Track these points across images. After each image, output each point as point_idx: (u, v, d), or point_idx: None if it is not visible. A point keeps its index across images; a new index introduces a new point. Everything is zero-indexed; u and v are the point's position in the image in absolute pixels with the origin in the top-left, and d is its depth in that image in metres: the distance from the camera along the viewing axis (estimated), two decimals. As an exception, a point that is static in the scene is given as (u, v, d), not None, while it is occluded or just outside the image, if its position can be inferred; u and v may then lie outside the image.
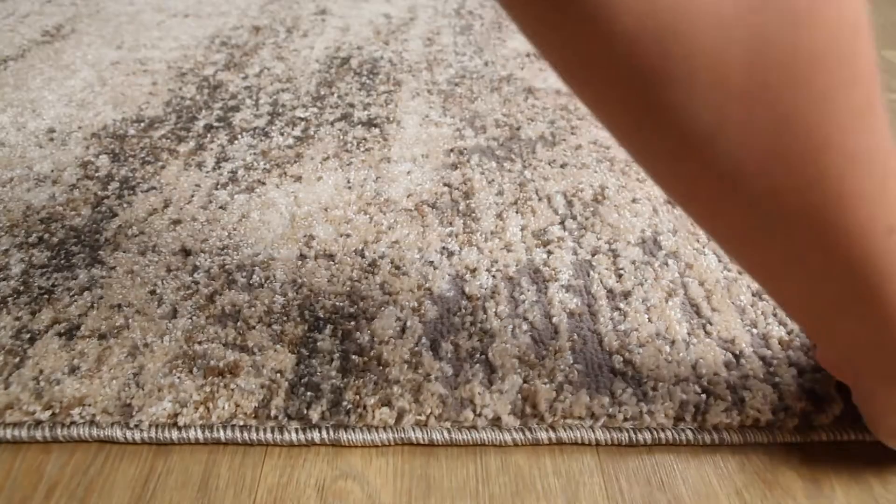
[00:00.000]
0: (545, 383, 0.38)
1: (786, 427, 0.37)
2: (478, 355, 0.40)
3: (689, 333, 0.42)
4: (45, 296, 0.44)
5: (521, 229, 0.51)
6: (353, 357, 0.40)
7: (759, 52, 0.20)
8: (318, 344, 0.41)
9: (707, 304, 0.44)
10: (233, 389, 0.38)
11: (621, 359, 0.40)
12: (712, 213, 0.26)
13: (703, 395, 0.38)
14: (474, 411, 0.37)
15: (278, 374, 0.39)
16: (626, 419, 0.37)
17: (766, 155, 0.22)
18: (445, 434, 0.36)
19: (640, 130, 0.23)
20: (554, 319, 0.43)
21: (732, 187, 0.23)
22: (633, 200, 0.55)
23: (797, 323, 0.37)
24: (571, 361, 0.40)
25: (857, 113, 0.22)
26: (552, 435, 0.36)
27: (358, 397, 0.37)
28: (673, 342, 0.41)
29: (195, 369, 0.39)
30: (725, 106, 0.21)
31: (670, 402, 0.37)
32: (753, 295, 0.45)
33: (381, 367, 0.39)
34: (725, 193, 0.23)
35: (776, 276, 0.28)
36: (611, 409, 0.37)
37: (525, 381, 0.38)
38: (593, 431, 0.37)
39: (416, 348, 0.40)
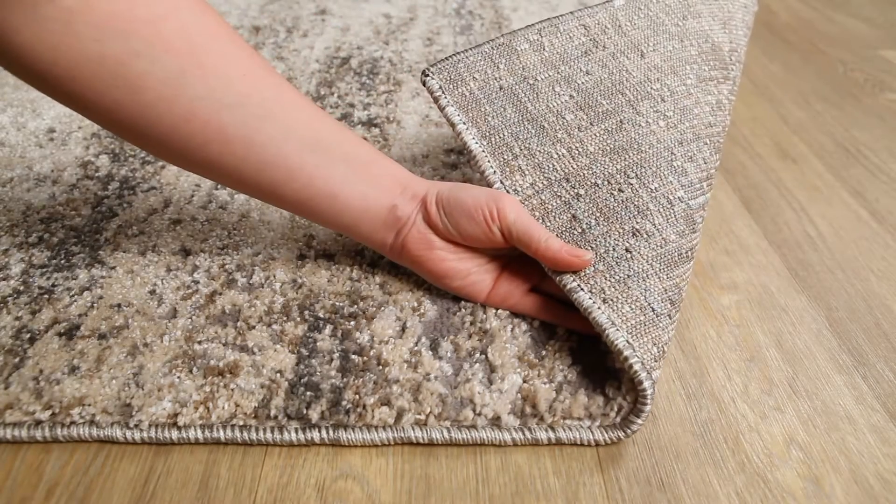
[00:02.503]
0: (545, 383, 0.38)
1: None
2: (477, 355, 0.40)
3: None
4: (45, 296, 0.44)
5: (521, 229, 0.51)
6: (353, 357, 0.40)
7: (183, 31, 0.35)
8: (318, 344, 0.41)
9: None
10: (233, 389, 0.38)
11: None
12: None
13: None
14: (474, 410, 0.37)
15: (278, 374, 0.39)
16: (617, 414, 0.37)
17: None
18: (445, 433, 0.36)
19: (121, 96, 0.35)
20: (554, 319, 0.43)
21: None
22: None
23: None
24: (570, 362, 0.40)
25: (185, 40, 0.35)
26: (551, 435, 0.37)
27: (357, 397, 0.37)
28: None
29: (195, 369, 0.39)
30: (172, 63, 0.34)
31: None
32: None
33: (380, 367, 0.39)
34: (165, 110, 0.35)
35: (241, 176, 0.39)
36: (605, 409, 0.37)
37: (525, 381, 0.38)
38: (591, 432, 0.37)
39: (416, 348, 0.40)
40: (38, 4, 0.31)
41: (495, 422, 0.37)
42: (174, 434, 0.36)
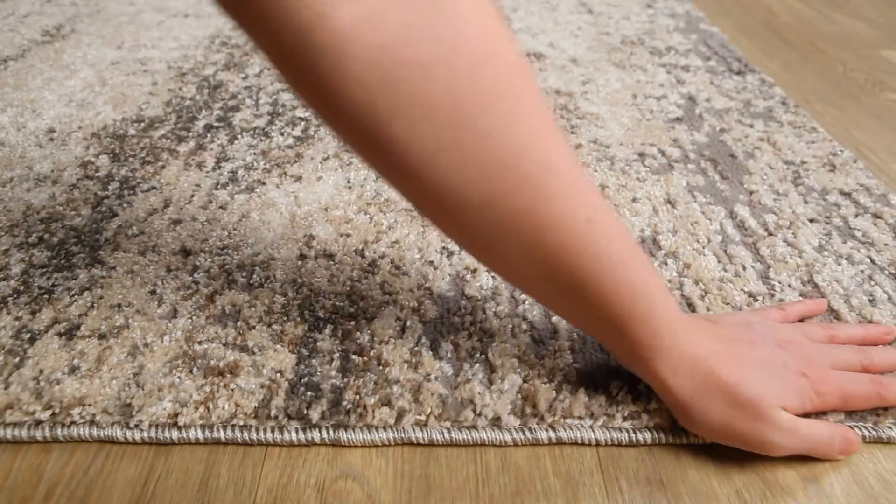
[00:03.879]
0: (545, 383, 0.38)
1: None
2: (477, 355, 0.40)
3: None
4: (45, 296, 0.44)
5: (521, 229, 0.51)
6: (353, 357, 0.40)
7: (453, 87, 0.25)
8: (318, 344, 0.41)
9: (702, 303, 0.44)
10: (233, 389, 0.38)
11: None
12: (450, 226, 0.31)
13: None
14: (474, 411, 0.37)
15: (278, 374, 0.39)
16: (624, 419, 0.37)
17: (476, 169, 0.27)
18: (445, 434, 0.36)
19: (376, 159, 0.28)
20: (553, 319, 0.43)
21: (455, 202, 0.28)
22: (633, 200, 0.55)
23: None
24: (570, 361, 0.40)
25: (539, 132, 0.28)
26: (552, 435, 0.37)
27: (358, 397, 0.37)
28: None
29: (195, 369, 0.39)
30: (436, 133, 0.26)
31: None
32: (749, 295, 0.45)
33: (380, 367, 0.39)
34: (453, 207, 0.29)
35: (522, 279, 0.34)
36: (609, 409, 0.37)
37: (525, 381, 0.38)
38: (593, 431, 0.37)
39: (416, 348, 0.40)
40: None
41: (495, 422, 0.37)
42: (174, 434, 0.36)
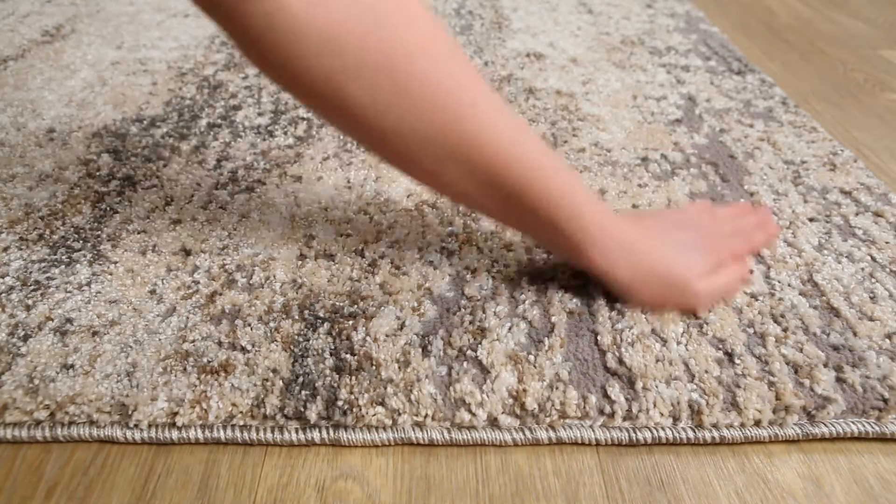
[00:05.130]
0: (538, 382, 0.38)
1: (786, 425, 0.37)
2: (470, 353, 0.40)
3: (683, 332, 0.42)
4: (44, 293, 0.44)
5: (521, 229, 0.51)
6: (351, 356, 0.40)
7: (383, 45, 0.32)
8: (316, 343, 0.41)
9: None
10: (228, 388, 0.38)
11: (616, 358, 0.40)
12: (402, 162, 0.38)
13: (695, 394, 0.38)
14: (468, 410, 0.37)
15: (272, 373, 0.39)
16: (623, 419, 0.37)
17: (412, 109, 0.33)
18: (445, 434, 0.36)
19: (331, 112, 0.35)
20: (553, 319, 0.43)
21: (400, 140, 0.35)
22: (634, 206, 0.55)
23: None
24: (566, 360, 0.40)
25: (461, 73, 0.35)
26: (552, 435, 0.36)
27: (353, 396, 0.37)
28: (665, 341, 0.41)
29: (189, 367, 0.39)
30: (375, 77, 0.32)
31: (663, 402, 0.37)
32: (749, 295, 0.45)
33: (377, 367, 0.39)
34: (399, 144, 0.35)
35: (468, 198, 0.39)
36: (606, 408, 0.37)
37: (519, 381, 0.38)
38: (593, 431, 0.37)
39: (411, 348, 0.40)
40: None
41: (491, 421, 0.37)
42: (174, 434, 0.36)
